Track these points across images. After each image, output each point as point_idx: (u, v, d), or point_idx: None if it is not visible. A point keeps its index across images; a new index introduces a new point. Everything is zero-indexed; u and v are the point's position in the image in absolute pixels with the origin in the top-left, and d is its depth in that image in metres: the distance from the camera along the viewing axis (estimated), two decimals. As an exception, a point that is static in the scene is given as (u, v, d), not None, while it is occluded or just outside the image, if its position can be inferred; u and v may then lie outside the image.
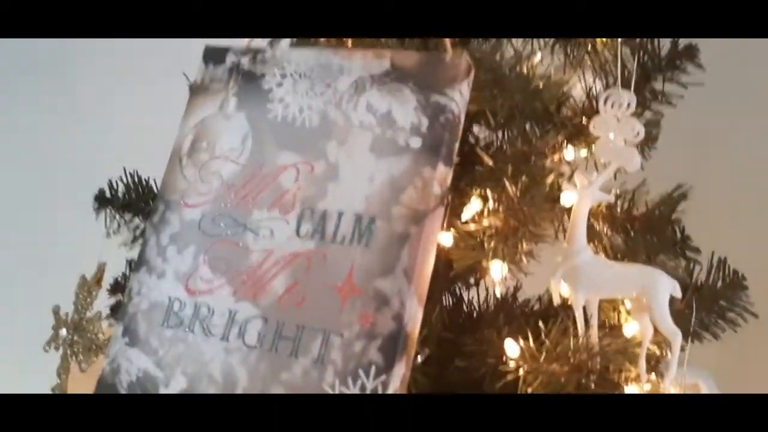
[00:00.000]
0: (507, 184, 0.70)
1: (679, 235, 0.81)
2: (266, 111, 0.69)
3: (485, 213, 0.72)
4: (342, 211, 0.63)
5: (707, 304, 0.83)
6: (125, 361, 0.66)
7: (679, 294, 0.70)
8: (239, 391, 0.61)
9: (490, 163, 0.73)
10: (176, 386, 0.63)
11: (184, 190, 0.70)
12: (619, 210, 0.79)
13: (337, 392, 0.58)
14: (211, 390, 0.62)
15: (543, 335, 0.70)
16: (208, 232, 0.68)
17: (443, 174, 0.61)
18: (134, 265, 0.70)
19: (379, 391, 0.57)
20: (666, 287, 0.70)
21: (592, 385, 0.70)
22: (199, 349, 0.64)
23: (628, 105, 0.72)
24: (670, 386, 0.69)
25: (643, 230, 0.78)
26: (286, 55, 0.70)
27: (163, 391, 0.64)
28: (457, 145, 0.63)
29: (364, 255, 0.61)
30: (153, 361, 0.65)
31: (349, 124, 0.65)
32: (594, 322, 0.73)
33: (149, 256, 0.69)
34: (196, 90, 0.73)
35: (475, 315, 0.85)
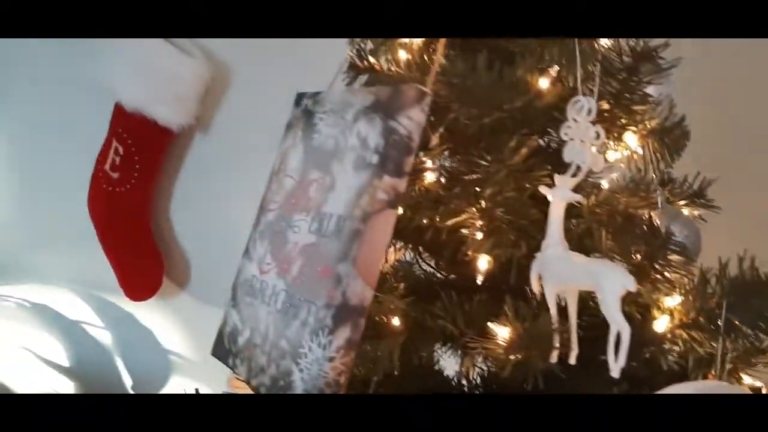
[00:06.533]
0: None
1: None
2: (312, 139, 0.93)
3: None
4: (332, 213, 0.83)
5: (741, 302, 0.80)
6: (229, 318, 0.97)
7: (633, 288, 0.73)
8: (269, 340, 0.87)
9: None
10: (245, 336, 0.92)
11: (269, 199, 0.98)
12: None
13: (307, 346, 0.80)
14: (257, 339, 0.89)
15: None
16: (274, 229, 0.94)
17: (388, 183, 0.78)
18: (243, 253, 1.00)
19: (327, 347, 0.77)
20: (616, 281, 0.73)
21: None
22: (257, 311, 0.91)
23: (589, 111, 0.77)
24: (616, 373, 0.73)
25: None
26: (329, 95, 0.93)
27: (240, 340, 0.92)
28: (408, 159, 0.79)
29: (336, 246, 0.81)
30: (239, 319, 0.95)
31: (346, 146, 0.85)
32: (572, 310, 0.80)
33: (249, 246, 0.99)
34: (287, 126, 1.00)
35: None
